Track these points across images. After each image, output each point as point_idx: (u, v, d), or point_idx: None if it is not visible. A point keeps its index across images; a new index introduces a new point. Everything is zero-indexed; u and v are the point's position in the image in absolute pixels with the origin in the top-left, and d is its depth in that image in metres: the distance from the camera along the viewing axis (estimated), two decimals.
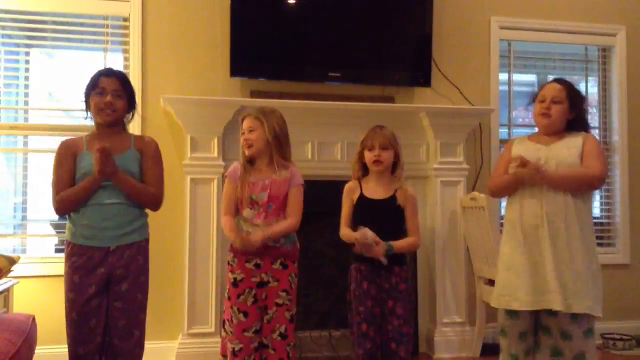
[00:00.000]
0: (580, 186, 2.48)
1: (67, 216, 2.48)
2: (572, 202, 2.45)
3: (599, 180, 2.51)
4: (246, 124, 2.60)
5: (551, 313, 2.43)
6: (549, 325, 2.49)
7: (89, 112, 2.53)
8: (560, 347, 2.46)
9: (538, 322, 2.53)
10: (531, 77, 4.73)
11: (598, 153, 2.50)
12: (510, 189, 2.58)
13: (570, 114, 2.55)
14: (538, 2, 4.25)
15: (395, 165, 2.71)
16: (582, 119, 2.60)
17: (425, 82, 3.92)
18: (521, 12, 4.21)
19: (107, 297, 2.42)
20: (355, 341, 2.62)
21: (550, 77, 4.79)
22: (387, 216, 2.65)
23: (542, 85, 2.72)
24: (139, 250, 2.48)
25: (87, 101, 2.50)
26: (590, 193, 2.59)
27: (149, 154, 2.54)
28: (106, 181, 2.38)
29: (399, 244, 2.61)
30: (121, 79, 2.52)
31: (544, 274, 2.41)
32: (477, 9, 4.13)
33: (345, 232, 2.68)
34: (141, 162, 2.51)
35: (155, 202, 2.55)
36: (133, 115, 2.64)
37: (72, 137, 2.60)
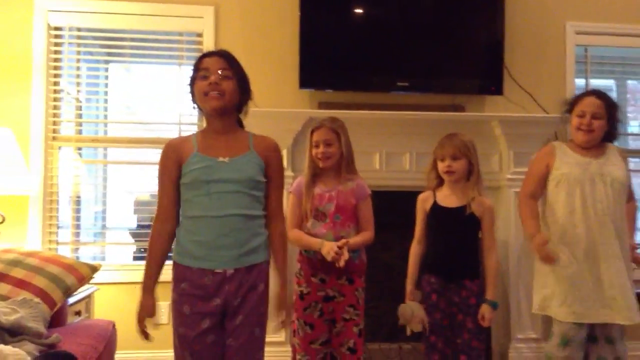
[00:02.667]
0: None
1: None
2: (620, 212, 2.54)
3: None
4: (322, 136, 2.60)
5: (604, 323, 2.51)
6: (597, 334, 2.54)
7: (195, 106, 2.12)
8: (603, 353, 2.52)
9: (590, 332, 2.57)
10: (609, 82, 4.54)
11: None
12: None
13: (607, 126, 2.58)
14: (614, 6, 4.07)
15: (470, 173, 2.65)
16: (615, 130, 2.63)
17: (497, 90, 3.82)
18: (597, 17, 4.04)
19: (223, 332, 2.02)
20: (424, 352, 2.62)
21: (629, 83, 4.62)
22: (460, 225, 2.60)
23: (578, 96, 2.70)
24: (259, 275, 2.04)
25: (192, 92, 2.08)
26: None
27: (274, 163, 2.13)
28: (221, 186, 1.98)
29: (490, 286, 2.61)
30: (227, 57, 2.08)
31: (605, 287, 2.48)
32: (552, 14, 3.99)
33: (410, 280, 2.72)
34: (265, 171, 2.08)
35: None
36: (247, 105, 2.18)
37: (179, 136, 2.36)
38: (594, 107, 2.54)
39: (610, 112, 2.57)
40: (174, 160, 2.05)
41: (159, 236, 2.09)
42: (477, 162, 2.66)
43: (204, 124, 2.16)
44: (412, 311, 2.53)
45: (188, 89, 2.10)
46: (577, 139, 2.61)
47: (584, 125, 2.54)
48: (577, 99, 2.65)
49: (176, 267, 2.06)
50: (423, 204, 2.70)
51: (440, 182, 2.70)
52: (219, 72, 2.02)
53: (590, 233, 2.48)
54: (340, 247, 2.41)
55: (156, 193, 2.12)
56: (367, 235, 2.58)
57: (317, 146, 2.60)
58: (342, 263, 2.40)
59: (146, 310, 2.08)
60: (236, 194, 1.99)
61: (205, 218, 1.98)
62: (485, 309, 2.54)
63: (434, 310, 2.57)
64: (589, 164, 2.53)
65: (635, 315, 2.49)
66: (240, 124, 2.18)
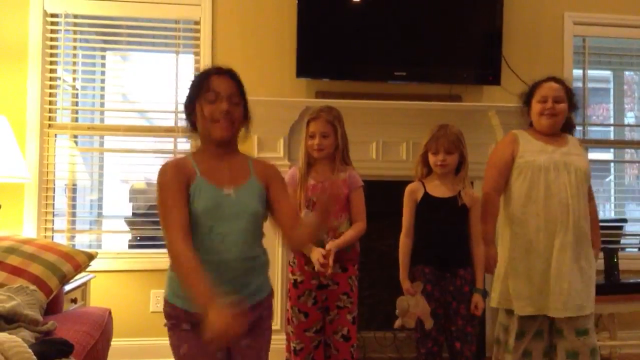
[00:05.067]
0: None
1: (168, 269, 1.83)
2: (586, 205, 2.53)
3: None
4: (319, 128, 2.59)
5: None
6: (562, 327, 2.50)
7: (190, 125, 1.89)
8: (575, 346, 2.48)
9: (552, 325, 2.55)
10: (606, 73, 4.54)
11: None
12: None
13: (568, 113, 2.58)
14: None
15: (460, 165, 2.65)
16: (571, 118, 2.64)
17: (495, 80, 3.81)
18: (596, 7, 4.03)
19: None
20: (418, 340, 2.63)
21: (627, 74, 4.62)
22: (453, 215, 2.61)
23: (536, 83, 2.67)
24: (266, 307, 1.92)
25: (192, 107, 1.85)
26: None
27: (277, 182, 1.90)
28: (227, 223, 1.76)
29: (480, 278, 2.61)
30: (237, 80, 1.87)
31: (575, 280, 2.46)
32: (550, 5, 3.98)
33: (403, 275, 2.66)
34: (268, 195, 1.86)
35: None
36: (247, 129, 1.94)
37: (174, 158, 2.14)
38: (555, 91, 2.54)
39: (571, 97, 2.57)
40: (184, 174, 1.76)
41: (192, 254, 1.65)
42: (467, 155, 2.66)
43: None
44: (407, 306, 2.54)
45: (185, 104, 1.88)
46: (540, 125, 2.58)
47: (547, 109, 2.53)
48: (536, 86, 2.63)
49: (172, 307, 1.82)
50: (413, 194, 2.67)
51: (428, 173, 2.69)
52: (230, 97, 1.81)
53: (550, 224, 2.46)
54: (325, 257, 2.44)
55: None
56: (359, 226, 2.59)
57: (312, 137, 2.59)
58: (329, 272, 2.45)
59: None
60: (240, 234, 1.78)
61: (205, 262, 1.65)
62: (477, 298, 2.56)
63: (429, 300, 2.59)
64: (554, 151, 2.52)
65: (587, 307, 2.47)
66: (236, 146, 1.93)
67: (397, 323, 2.60)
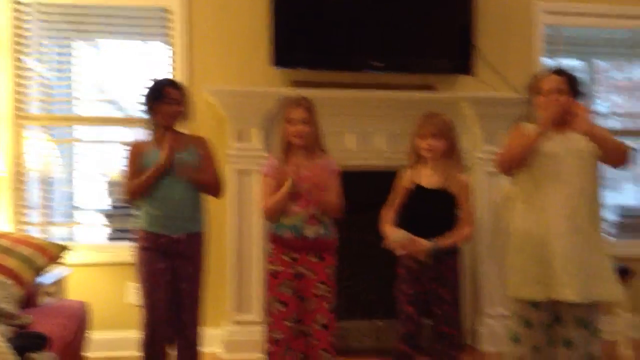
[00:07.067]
0: (619, 153, 2.50)
1: (138, 207, 2.76)
2: (596, 190, 2.51)
3: (630, 154, 2.53)
4: (300, 114, 2.60)
5: (570, 304, 2.45)
6: (565, 315, 2.50)
7: (148, 117, 2.78)
8: (572, 336, 2.48)
9: (558, 315, 2.53)
10: (577, 62, 4.61)
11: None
12: (528, 150, 2.55)
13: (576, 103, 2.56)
14: None
15: (450, 153, 2.69)
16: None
17: (468, 69, 3.85)
18: None
19: (175, 278, 2.74)
20: (400, 322, 2.66)
21: (597, 63, 4.71)
22: (439, 205, 2.64)
23: (537, 77, 2.70)
24: (199, 239, 2.82)
25: (151, 107, 2.75)
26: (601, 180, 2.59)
27: (208, 151, 2.87)
28: (174, 176, 2.68)
29: (446, 242, 2.59)
30: (183, 90, 2.83)
31: (581, 263, 2.43)
32: None
33: (387, 227, 2.67)
34: (201, 158, 2.80)
35: (222, 187, 2.91)
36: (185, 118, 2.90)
37: (139, 139, 2.87)
38: (557, 83, 2.56)
39: (574, 88, 2.59)
40: (139, 154, 2.78)
41: None
42: (457, 141, 2.69)
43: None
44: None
45: (146, 105, 2.76)
46: (545, 117, 2.63)
47: (550, 101, 2.55)
48: (539, 79, 2.67)
49: (141, 232, 2.75)
50: (405, 182, 2.71)
51: (421, 161, 2.71)
52: (179, 100, 2.77)
53: (556, 209, 2.48)
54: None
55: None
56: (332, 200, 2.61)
57: (292, 123, 2.60)
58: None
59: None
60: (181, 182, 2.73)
61: (164, 199, 2.76)
62: (425, 242, 2.56)
63: (414, 283, 2.63)
64: (562, 139, 2.55)
65: (594, 295, 2.45)
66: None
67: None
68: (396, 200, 2.70)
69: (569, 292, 2.42)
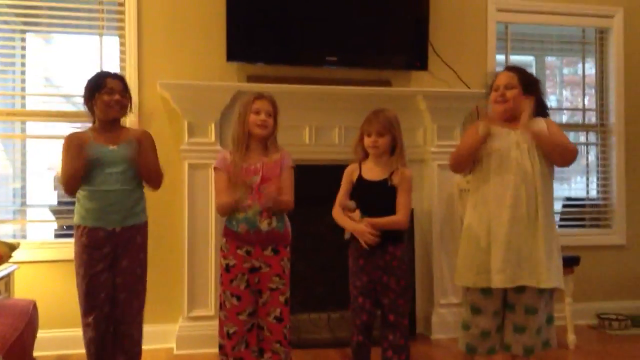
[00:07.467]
0: (560, 152, 2.56)
1: (76, 201, 2.72)
2: (540, 178, 2.54)
3: (575, 154, 2.60)
4: (265, 106, 2.61)
5: (519, 290, 2.51)
6: (514, 302, 2.56)
7: (89, 110, 2.75)
8: (522, 322, 2.54)
9: (505, 299, 2.59)
10: (528, 59, 4.73)
11: (564, 134, 2.65)
12: (473, 149, 2.61)
13: (526, 97, 2.60)
14: None
15: (394, 148, 2.74)
16: (539, 103, 2.67)
17: (422, 65, 3.91)
18: None
19: (113, 273, 2.71)
20: (353, 313, 2.72)
21: (548, 59, 4.84)
22: (380, 197, 2.71)
23: (493, 74, 2.79)
24: (139, 231, 2.77)
25: (91, 99, 2.71)
26: (553, 172, 2.65)
27: (148, 143, 2.80)
28: (111, 168, 2.67)
29: (380, 221, 2.64)
30: (124, 81, 2.80)
31: (517, 251, 2.49)
32: None
33: (336, 210, 2.76)
34: (139, 150, 2.75)
35: (160, 179, 2.84)
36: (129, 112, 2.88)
37: (78, 130, 2.88)
38: (507, 78, 2.65)
39: (525, 83, 2.66)
40: (78, 146, 2.67)
41: None
42: (401, 137, 2.75)
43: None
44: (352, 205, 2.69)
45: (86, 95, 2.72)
46: (495, 112, 2.71)
47: (498, 96, 2.64)
48: (494, 76, 2.74)
49: (78, 227, 2.70)
50: (350, 176, 2.80)
51: (366, 155, 2.78)
52: (121, 91, 2.72)
53: (502, 200, 2.53)
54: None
55: None
56: (286, 199, 2.63)
57: (257, 113, 2.59)
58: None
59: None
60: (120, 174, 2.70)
61: (100, 192, 2.70)
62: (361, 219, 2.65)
63: (361, 273, 2.70)
64: (508, 134, 2.60)
65: (550, 279, 2.50)
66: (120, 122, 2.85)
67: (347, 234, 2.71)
68: (342, 196, 2.76)
69: (500, 278, 2.48)
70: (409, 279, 2.79)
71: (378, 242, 2.62)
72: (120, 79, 2.79)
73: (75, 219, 2.72)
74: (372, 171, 2.75)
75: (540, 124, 2.59)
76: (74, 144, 2.66)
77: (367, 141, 2.72)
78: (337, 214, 2.76)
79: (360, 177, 2.74)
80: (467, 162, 2.68)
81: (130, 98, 2.81)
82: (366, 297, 2.68)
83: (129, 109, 2.82)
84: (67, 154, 2.67)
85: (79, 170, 2.63)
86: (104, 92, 2.69)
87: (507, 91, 2.61)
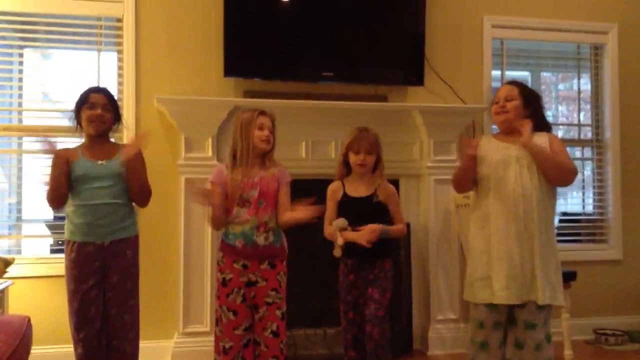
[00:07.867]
0: (559, 172, 2.57)
1: (65, 217, 2.72)
2: (539, 194, 2.54)
3: (574, 175, 2.61)
4: (268, 122, 2.64)
5: (520, 305, 2.53)
6: (516, 317, 2.57)
7: (78, 126, 2.78)
8: (521, 338, 2.55)
9: (509, 314, 2.60)
10: (524, 74, 4.76)
11: (566, 152, 2.65)
12: (463, 172, 2.67)
13: (525, 111, 2.64)
14: (530, 0, 4.27)
15: (376, 165, 2.85)
16: (541, 118, 2.70)
17: (418, 80, 3.93)
18: (513, 11, 4.22)
19: (104, 288, 2.69)
20: (344, 327, 2.79)
21: (544, 75, 4.87)
22: (369, 212, 2.78)
23: (496, 89, 2.87)
24: (129, 245, 2.75)
25: (78, 114, 2.76)
26: (556, 188, 2.66)
27: (138, 158, 2.78)
28: (99, 183, 2.66)
29: (392, 228, 2.78)
30: (108, 95, 2.80)
31: (523, 267, 2.50)
32: (470, 8, 4.14)
33: (328, 229, 2.81)
34: (129, 167, 2.73)
35: (148, 196, 2.83)
36: (118, 126, 2.91)
37: (67, 147, 2.87)
38: (507, 91, 2.70)
39: (525, 96, 2.68)
40: (65, 162, 2.71)
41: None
42: (382, 156, 2.87)
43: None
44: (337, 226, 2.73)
45: (74, 113, 2.77)
46: (497, 124, 2.76)
47: (499, 107, 2.67)
48: (496, 92, 2.79)
49: (68, 243, 2.69)
50: (334, 194, 2.86)
51: (348, 172, 2.84)
52: (103, 105, 2.73)
53: (502, 216, 2.55)
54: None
55: None
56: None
57: (262, 129, 2.60)
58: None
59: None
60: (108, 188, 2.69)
61: (89, 206, 2.70)
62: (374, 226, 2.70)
63: (351, 288, 2.76)
64: (507, 148, 2.61)
65: (553, 296, 2.52)
66: (108, 138, 2.88)
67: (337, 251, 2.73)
68: (330, 216, 2.81)
69: (504, 295, 2.50)
70: (392, 291, 2.83)
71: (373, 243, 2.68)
72: (104, 92, 2.80)
73: (65, 235, 2.72)
74: (358, 188, 2.84)
75: (542, 139, 2.61)
76: (60, 160, 2.68)
77: (355, 158, 2.79)
78: (329, 231, 2.79)
79: (345, 195, 2.80)
80: (465, 182, 2.72)
81: (116, 112, 2.81)
82: (356, 312, 2.74)
83: (115, 123, 2.83)
84: (54, 169, 2.69)
85: (63, 186, 2.65)
86: (86, 106, 2.73)
87: (507, 103, 2.65)
